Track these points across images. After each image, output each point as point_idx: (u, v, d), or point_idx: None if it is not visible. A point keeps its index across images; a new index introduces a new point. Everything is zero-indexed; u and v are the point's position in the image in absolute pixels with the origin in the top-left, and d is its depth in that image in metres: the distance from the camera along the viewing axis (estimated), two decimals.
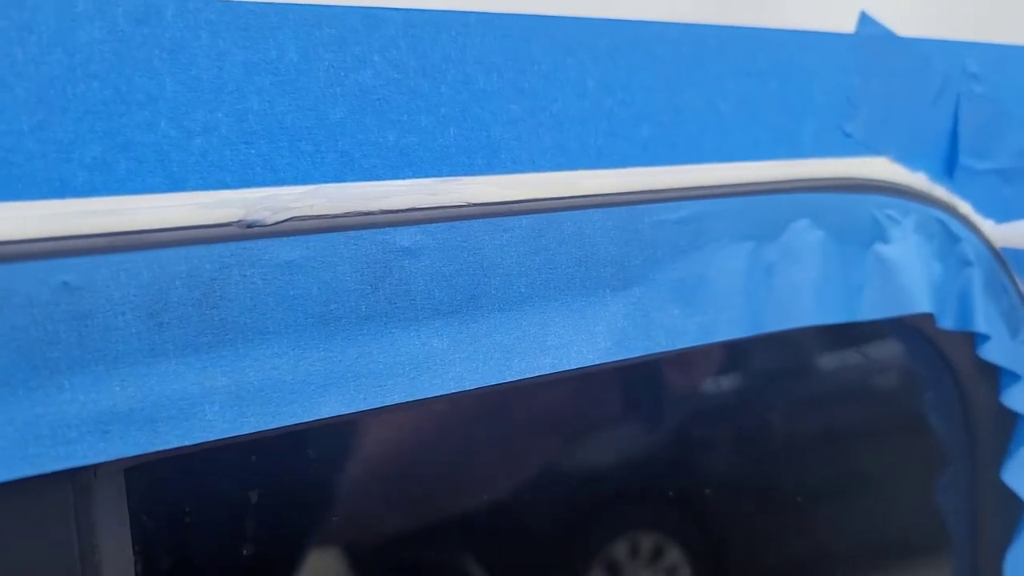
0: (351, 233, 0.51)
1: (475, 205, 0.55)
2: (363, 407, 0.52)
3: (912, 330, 0.81)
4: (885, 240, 0.73)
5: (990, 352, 0.81)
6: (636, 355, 0.61)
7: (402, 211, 0.53)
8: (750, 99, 0.68)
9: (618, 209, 0.60)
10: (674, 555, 0.92)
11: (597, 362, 0.59)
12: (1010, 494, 0.85)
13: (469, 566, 0.76)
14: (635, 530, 0.90)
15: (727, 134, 0.68)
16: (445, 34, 0.55)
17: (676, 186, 0.63)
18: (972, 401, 0.84)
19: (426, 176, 0.56)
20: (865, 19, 0.74)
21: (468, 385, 0.55)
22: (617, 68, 0.62)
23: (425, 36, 0.55)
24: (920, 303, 0.75)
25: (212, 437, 0.47)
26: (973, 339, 0.81)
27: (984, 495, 0.87)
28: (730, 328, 0.65)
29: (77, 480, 0.46)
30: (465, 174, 0.57)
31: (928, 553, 0.97)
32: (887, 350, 0.95)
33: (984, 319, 0.78)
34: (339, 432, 0.66)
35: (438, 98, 0.56)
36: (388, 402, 0.52)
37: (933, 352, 0.82)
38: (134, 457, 0.45)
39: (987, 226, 0.82)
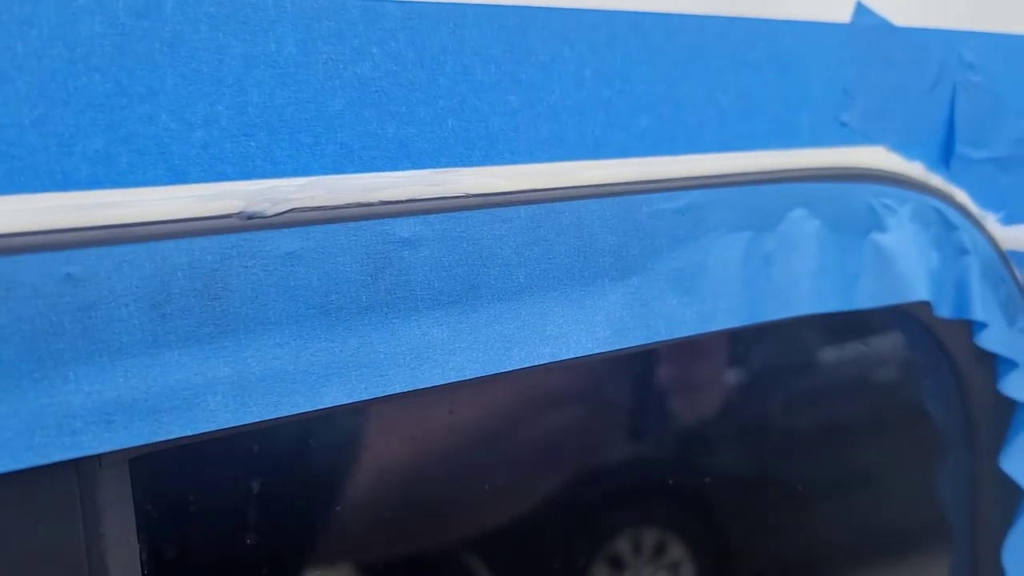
0: (351, 224, 0.51)
1: (474, 196, 0.56)
2: (364, 397, 0.52)
3: (909, 318, 0.81)
4: (882, 229, 0.74)
5: (988, 340, 0.81)
6: (635, 344, 0.61)
7: (401, 202, 0.53)
8: (747, 89, 0.69)
9: (616, 199, 0.60)
10: (677, 551, 0.92)
11: (596, 351, 0.60)
12: (1008, 482, 0.85)
13: (471, 562, 0.76)
14: (637, 526, 0.90)
15: (725, 124, 0.68)
16: (443, 26, 0.56)
17: (674, 176, 0.64)
18: (970, 389, 0.84)
19: (425, 167, 0.56)
20: (861, 9, 0.75)
21: (468, 374, 0.55)
22: (615, 59, 0.62)
23: (423, 28, 0.55)
24: (917, 291, 0.76)
25: (215, 427, 0.47)
26: (970, 327, 0.82)
27: (982, 483, 0.87)
28: (728, 317, 0.66)
29: (82, 470, 0.46)
30: (463, 165, 0.57)
31: (927, 541, 0.97)
32: (884, 339, 0.95)
33: (981, 307, 0.79)
34: (341, 423, 0.66)
35: (436, 90, 0.56)
36: (389, 392, 0.53)
37: (930, 340, 0.83)
38: (139, 447, 0.46)
39: (991, 225, 0.82)
